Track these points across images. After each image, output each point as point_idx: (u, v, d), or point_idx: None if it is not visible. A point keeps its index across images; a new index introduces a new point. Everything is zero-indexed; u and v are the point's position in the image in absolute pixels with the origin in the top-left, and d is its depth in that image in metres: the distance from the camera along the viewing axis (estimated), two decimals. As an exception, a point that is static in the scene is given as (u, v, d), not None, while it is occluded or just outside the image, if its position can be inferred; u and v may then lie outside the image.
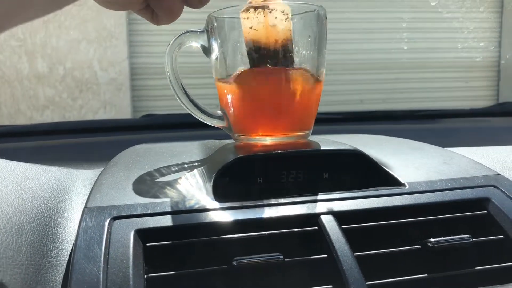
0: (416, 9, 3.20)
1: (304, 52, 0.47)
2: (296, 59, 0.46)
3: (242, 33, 0.46)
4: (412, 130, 0.83)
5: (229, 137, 0.52)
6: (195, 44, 0.48)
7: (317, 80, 0.47)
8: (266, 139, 0.47)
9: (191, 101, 0.49)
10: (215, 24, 0.46)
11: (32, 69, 2.83)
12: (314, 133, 0.54)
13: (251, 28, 0.43)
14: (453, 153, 0.50)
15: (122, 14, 2.89)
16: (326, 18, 0.47)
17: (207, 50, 0.48)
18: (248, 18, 0.43)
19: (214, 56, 0.47)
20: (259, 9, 0.43)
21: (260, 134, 0.47)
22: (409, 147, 0.53)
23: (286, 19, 0.43)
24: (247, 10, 0.43)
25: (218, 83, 0.48)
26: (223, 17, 0.46)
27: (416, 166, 0.46)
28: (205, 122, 0.50)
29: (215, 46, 0.47)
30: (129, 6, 0.34)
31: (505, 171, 0.50)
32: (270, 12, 0.43)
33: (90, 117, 2.93)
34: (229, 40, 0.46)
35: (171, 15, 0.36)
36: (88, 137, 0.76)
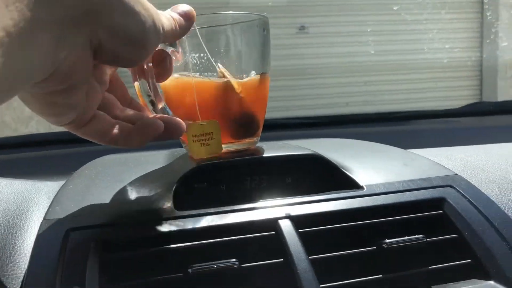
0: (400, 11, 3.23)
1: (248, 60, 0.46)
2: (241, 67, 0.45)
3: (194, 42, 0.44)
4: (387, 133, 0.84)
5: None
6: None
7: (261, 88, 0.47)
8: None
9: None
10: None
11: (16, 81, 2.81)
12: (289, 138, 0.54)
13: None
14: (415, 155, 0.51)
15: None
16: (267, 27, 0.47)
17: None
18: None
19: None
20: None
21: None
22: (372, 150, 0.54)
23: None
24: None
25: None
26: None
27: (376, 169, 0.47)
28: None
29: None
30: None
31: (466, 170, 0.51)
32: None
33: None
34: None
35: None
36: (61, 148, 0.76)
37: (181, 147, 0.57)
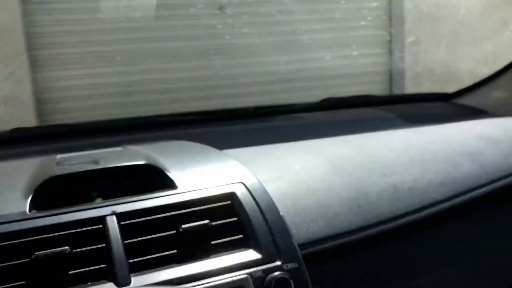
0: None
1: None
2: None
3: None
4: (247, 130, 1.01)
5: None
6: None
7: None
8: None
9: None
10: None
11: None
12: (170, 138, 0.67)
13: None
14: (224, 156, 0.69)
15: (15, 7, 2.86)
16: None
17: None
18: None
19: None
20: None
21: None
22: (196, 151, 0.71)
23: None
24: None
25: None
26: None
27: (192, 170, 0.63)
28: None
29: None
30: None
31: (267, 168, 0.69)
32: None
33: (-10, 114, 2.87)
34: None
35: None
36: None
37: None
